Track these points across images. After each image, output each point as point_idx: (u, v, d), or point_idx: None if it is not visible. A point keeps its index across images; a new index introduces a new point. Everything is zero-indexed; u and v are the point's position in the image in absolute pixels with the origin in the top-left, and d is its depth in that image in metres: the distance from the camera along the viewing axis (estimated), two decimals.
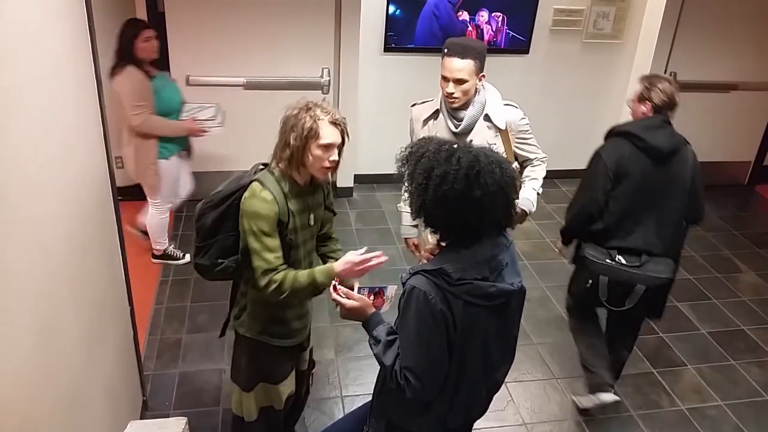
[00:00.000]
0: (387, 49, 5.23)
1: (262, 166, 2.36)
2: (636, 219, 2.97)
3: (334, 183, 2.55)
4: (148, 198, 4.19)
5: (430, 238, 3.12)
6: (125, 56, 3.74)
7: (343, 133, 2.26)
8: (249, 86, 4.89)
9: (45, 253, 1.81)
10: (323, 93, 5.01)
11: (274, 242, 2.23)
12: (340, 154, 2.28)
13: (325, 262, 2.54)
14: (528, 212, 2.91)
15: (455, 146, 1.81)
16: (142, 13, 4.68)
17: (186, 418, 2.38)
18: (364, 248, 2.26)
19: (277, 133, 2.28)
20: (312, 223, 2.40)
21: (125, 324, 2.89)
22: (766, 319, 4.22)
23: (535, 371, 3.65)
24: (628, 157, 2.91)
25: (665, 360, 3.80)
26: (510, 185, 1.81)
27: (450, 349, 1.84)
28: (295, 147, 2.20)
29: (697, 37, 5.50)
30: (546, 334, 3.95)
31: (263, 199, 2.20)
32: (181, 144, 4.15)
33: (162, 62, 4.81)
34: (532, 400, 3.44)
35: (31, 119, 1.73)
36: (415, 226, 3.22)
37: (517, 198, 1.91)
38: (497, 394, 3.59)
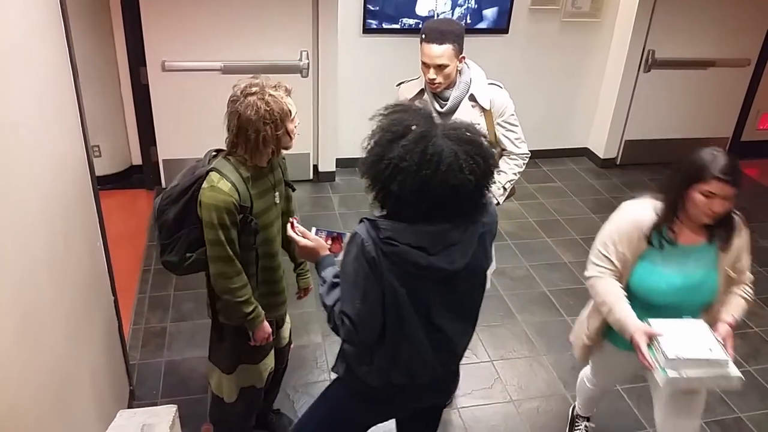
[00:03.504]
0: (366, 30, 5.19)
1: (215, 152, 2.33)
2: None
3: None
4: None
5: None
6: None
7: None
8: (226, 70, 4.81)
9: (24, 243, 1.77)
10: (302, 76, 4.96)
11: (232, 235, 2.23)
12: None
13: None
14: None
15: (431, 141, 1.69)
16: None
17: (176, 406, 2.35)
18: None
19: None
20: (278, 200, 2.41)
21: (109, 313, 2.85)
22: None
23: (521, 349, 3.68)
24: None
25: None
26: (488, 175, 1.76)
27: (383, 300, 1.83)
28: (275, 137, 2.18)
29: (674, 15, 5.52)
30: (530, 312, 3.98)
31: (221, 190, 2.18)
32: None
33: (136, 46, 4.74)
34: (519, 378, 3.47)
35: (3, 107, 1.68)
36: None
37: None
38: (483, 372, 3.60)
